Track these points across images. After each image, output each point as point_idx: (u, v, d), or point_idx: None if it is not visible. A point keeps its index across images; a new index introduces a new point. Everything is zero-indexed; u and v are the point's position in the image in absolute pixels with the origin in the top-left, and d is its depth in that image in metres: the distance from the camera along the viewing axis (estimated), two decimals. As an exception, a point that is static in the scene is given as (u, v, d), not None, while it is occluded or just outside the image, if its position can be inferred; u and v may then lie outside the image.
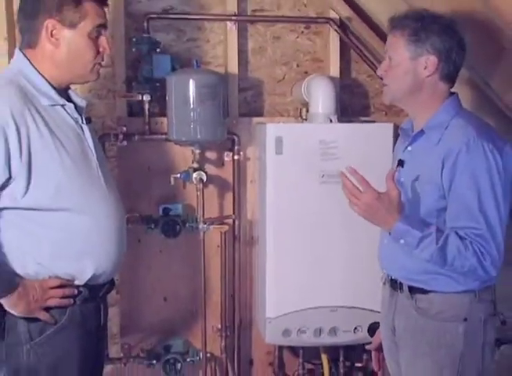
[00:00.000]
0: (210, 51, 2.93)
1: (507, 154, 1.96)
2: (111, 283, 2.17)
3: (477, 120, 2.08)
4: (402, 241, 1.98)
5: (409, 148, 2.13)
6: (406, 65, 2.03)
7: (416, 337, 2.07)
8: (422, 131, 2.07)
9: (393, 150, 2.54)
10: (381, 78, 2.17)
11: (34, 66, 2.00)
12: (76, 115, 2.05)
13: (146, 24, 2.78)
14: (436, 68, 2.01)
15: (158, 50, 2.77)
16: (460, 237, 1.92)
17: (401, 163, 2.14)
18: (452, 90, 2.11)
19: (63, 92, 2.06)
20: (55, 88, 2.01)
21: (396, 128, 2.66)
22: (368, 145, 2.68)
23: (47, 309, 1.96)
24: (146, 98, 2.74)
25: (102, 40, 2.04)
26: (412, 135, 2.12)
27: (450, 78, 2.06)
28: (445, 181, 1.96)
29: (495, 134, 2.02)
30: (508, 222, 2.03)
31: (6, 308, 1.92)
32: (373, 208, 1.95)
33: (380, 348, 2.37)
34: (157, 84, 2.74)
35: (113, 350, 2.82)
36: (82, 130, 2.06)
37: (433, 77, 2.03)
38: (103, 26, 2.05)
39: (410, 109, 2.16)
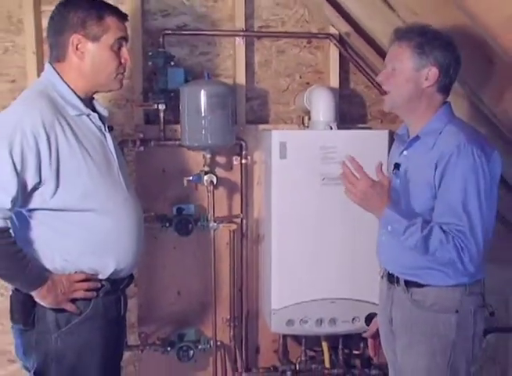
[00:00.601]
0: (220, 64, 2.92)
1: (494, 160, 1.98)
2: (130, 278, 2.19)
3: (469, 127, 2.09)
4: (389, 228, 2.01)
5: (405, 153, 2.13)
6: (409, 74, 2.03)
7: (412, 327, 2.08)
8: (417, 137, 2.08)
9: (388, 155, 2.53)
10: (380, 85, 2.18)
11: (62, 79, 2.02)
12: (99, 124, 2.07)
13: (161, 40, 2.77)
14: (436, 80, 2.02)
15: (172, 63, 2.76)
16: (444, 231, 1.93)
17: (397, 166, 2.15)
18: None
19: (88, 102, 2.08)
20: (81, 99, 2.03)
21: (391, 134, 2.69)
22: (365, 150, 2.60)
23: (73, 301, 1.98)
24: (162, 107, 2.74)
25: (124, 51, 2.06)
26: (408, 141, 2.13)
27: (446, 90, 2.08)
28: (436, 181, 1.98)
29: (485, 141, 2.03)
30: (495, 223, 2.02)
31: (36, 299, 1.94)
32: (367, 195, 1.99)
33: (375, 336, 2.38)
34: (172, 94, 2.74)
35: (132, 338, 2.82)
36: (105, 137, 2.08)
37: (432, 88, 2.04)
38: (124, 39, 2.07)
39: (407, 116, 2.16)
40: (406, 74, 2.04)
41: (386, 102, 2.15)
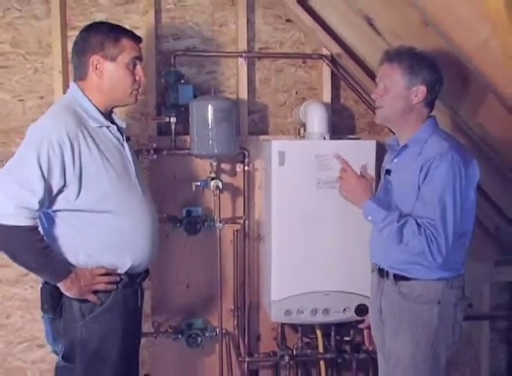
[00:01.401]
0: (224, 81, 2.92)
1: (473, 168, 2.02)
2: (146, 272, 2.21)
3: (450, 137, 2.12)
4: (369, 218, 2.09)
5: (395, 160, 2.16)
6: (401, 92, 2.06)
7: (399, 316, 2.11)
8: (406, 146, 2.12)
9: (375, 162, 2.61)
10: (369, 101, 2.21)
11: (85, 95, 2.04)
12: (118, 135, 2.09)
13: (172, 60, 2.78)
14: (424, 97, 2.06)
15: (182, 81, 2.77)
16: (418, 224, 1.96)
17: (388, 172, 2.19)
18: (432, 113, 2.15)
19: (108, 115, 2.11)
20: (101, 113, 2.06)
21: (378, 144, 2.72)
22: (355, 158, 2.58)
23: (95, 293, 2.00)
24: (173, 120, 2.75)
25: (138, 69, 2.09)
26: (398, 149, 2.16)
27: (431, 105, 2.12)
28: (420, 182, 2.00)
29: (464, 149, 2.06)
30: (472, 225, 2.08)
31: (62, 291, 1.97)
32: (353, 186, 2.17)
33: (370, 328, 2.39)
34: (182, 108, 2.74)
35: (146, 327, 2.81)
36: (123, 147, 2.10)
37: (420, 104, 2.08)
38: (139, 58, 2.09)
39: (397, 127, 2.19)
40: (398, 91, 2.07)
41: (378, 115, 2.17)
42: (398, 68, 2.07)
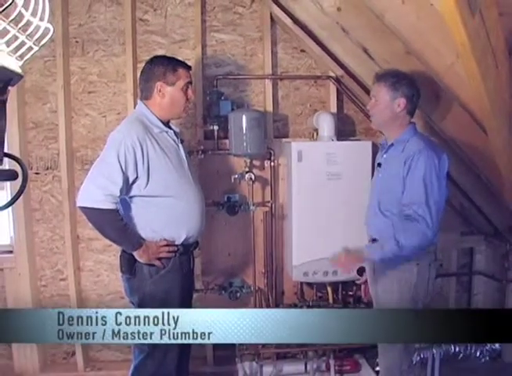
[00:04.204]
0: (254, 98, 2.94)
1: (444, 160, 2.03)
2: (197, 243, 2.24)
3: (426, 138, 2.15)
4: (375, 256, 2.06)
5: (385, 156, 2.19)
6: (387, 104, 2.09)
7: (388, 275, 2.14)
8: (392, 144, 2.14)
9: (371, 158, 2.62)
10: (366, 112, 2.24)
11: (149, 110, 2.09)
12: (174, 137, 2.13)
13: (215, 82, 2.84)
14: (405, 107, 2.09)
15: (223, 98, 2.80)
16: (407, 217, 1.97)
17: (379, 165, 2.22)
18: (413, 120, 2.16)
19: (166, 124, 2.14)
20: (162, 122, 2.10)
21: (373, 144, 2.73)
22: (355, 154, 2.72)
23: (159, 259, 2.05)
24: (216, 128, 2.79)
25: (190, 91, 2.12)
26: (386, 147, 2.18)
27: (412, 113, 2.13)
28: (405, 173, 2.01)
29: (437, 147, 2.10)
30: (444, 204, 2.05)
31: (136, 257, 2.04)
32: (348, 266, 2.17)
33: (366, 283, 2.39)
34: (222, 119, 2.77)
35: (197, 285, 2.79)
36: (178, 147, 2.14)
37: (402, 112, 2.10)
38: (190, 82, 2.13)
39: (386, 131, 2.20)
40: (385, 104, 2.10)
41: (373, 122, 2.21)
42: (383, 86, 2.09)
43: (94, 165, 2.01)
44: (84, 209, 1.97)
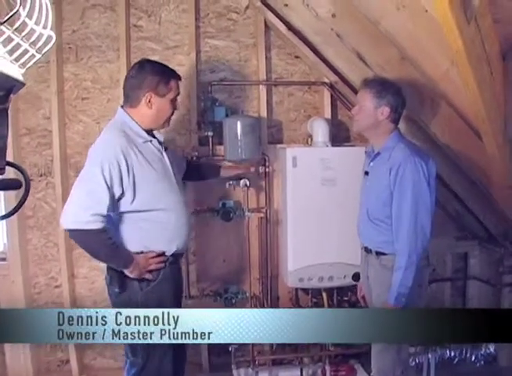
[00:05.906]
0: (249, 103, 2.94)
1: (431, 164, 2.04)
2: (182, 253, 2.20)
3: (412, 144, 2.15)
4: (407, 286, 2.03)
5: (371, 164, 2.19)
6: (371, 111, 2.10)
7: (380, 281, 2.16)
8: (379, 153, 2.14)
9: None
10: (353, 115, 2.22)
11: (132, 119, 2.02)
12: (158, 146, 2.07)
13: (209, 88, 2.83)
14: (388, 115, 2.09)
15: (217, 104, 2.80)
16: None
17: (366, 173, 2.23)
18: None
19: (150, 133, 2.08)
20: (146, 131, 2.04)
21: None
22: (350, 160, 2.70)
23: (150, 271, 2.01)
24: (210, 134, 2.79)
25: (177, 103, 2.10)
26: (373, 156, 2.18)
27: (396, 121, 2.14)
28: (391, 182, 2.03)
29: (422, 152, 2.10)
30: (434, 207, 2.06)
31: (126, 273, 1.99)
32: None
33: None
34: (217, 125, 2.77)
35: (193, 291, 2.87)
36: (162, 155, 2.08)
37: (386, 120, 2.11)
38: (178, 94, 2.09)
39: (370, 137, 2.20)
40: (369, 110, 2.10)
41: (354, 126, 2.24)
42: (369, 93, 2.10)
43: (76, 184, 1.93)
44: (71, 231, 1.92)
